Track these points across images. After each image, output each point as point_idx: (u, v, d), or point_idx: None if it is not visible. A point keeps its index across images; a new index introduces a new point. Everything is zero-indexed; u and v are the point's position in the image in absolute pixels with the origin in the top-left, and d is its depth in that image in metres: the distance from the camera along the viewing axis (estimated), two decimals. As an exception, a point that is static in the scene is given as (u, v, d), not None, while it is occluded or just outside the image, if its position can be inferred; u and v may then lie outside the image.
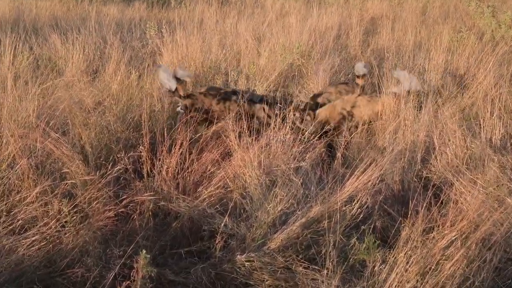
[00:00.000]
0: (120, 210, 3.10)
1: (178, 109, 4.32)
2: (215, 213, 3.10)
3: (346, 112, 4.37)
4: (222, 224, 2.97)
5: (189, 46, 5.84)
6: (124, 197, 3.18)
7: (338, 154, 3.83)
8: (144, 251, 2.48)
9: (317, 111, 4.44)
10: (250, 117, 4.31)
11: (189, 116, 4.07)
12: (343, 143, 3.91)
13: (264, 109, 4.41)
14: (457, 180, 3.30)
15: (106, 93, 4.50)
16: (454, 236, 2.63)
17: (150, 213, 3.20)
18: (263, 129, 3.90)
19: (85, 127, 3.74)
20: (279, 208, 2.96)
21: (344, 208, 2.96)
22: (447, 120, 3.94)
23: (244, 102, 4.31)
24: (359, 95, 4.39)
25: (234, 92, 4.45)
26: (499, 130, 3.88)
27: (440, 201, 3.10)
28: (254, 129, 3.99)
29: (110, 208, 3.04)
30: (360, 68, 4.41)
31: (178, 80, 4.25)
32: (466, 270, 2.53)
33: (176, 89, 4.23)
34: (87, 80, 4.93)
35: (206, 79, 5.44)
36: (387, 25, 7.32)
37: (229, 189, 3.36)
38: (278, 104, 4.36)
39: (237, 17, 7.94)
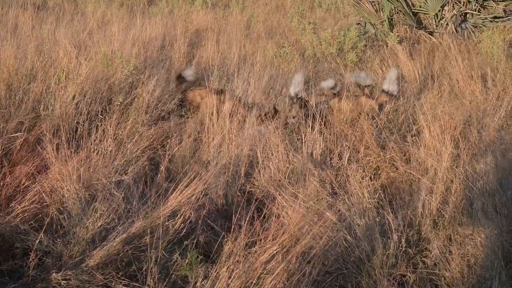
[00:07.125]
0: None
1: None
2: (29, 230, 2.88)
3: None
4: (37, 241, 2.77)
5: (1, 52, 5.37)
6: None
7: (162, 168, 3.75)
8: None
9: None
10: None
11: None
12: (166, 156, 3.84)
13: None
14: (279, 194, 3.40)
15: None
16: (275, 250, 2.70)
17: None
18: None
19: None
20: (99, 224, 2.85)
21: (167, 223, 2.94)
22: (270, 135, 4.06)
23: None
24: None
25: None
26: (320, 145, 4.06)
27: (262, 215, 3.17)
28: None
29: None
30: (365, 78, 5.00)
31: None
32: (286, 284, 2.62)
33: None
34: None
35: (20, 87, 5.03)
36: (212, 37, 7.37)
37: (45, 204, 3.12)
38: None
39: (55, 24, 7.54)
